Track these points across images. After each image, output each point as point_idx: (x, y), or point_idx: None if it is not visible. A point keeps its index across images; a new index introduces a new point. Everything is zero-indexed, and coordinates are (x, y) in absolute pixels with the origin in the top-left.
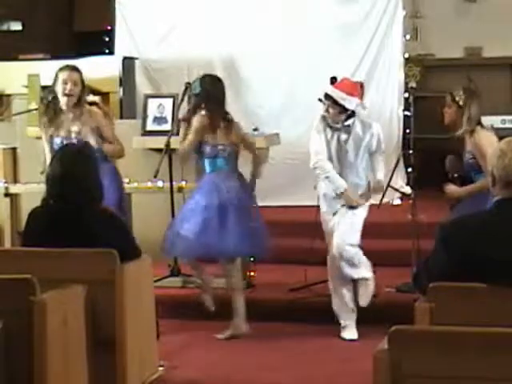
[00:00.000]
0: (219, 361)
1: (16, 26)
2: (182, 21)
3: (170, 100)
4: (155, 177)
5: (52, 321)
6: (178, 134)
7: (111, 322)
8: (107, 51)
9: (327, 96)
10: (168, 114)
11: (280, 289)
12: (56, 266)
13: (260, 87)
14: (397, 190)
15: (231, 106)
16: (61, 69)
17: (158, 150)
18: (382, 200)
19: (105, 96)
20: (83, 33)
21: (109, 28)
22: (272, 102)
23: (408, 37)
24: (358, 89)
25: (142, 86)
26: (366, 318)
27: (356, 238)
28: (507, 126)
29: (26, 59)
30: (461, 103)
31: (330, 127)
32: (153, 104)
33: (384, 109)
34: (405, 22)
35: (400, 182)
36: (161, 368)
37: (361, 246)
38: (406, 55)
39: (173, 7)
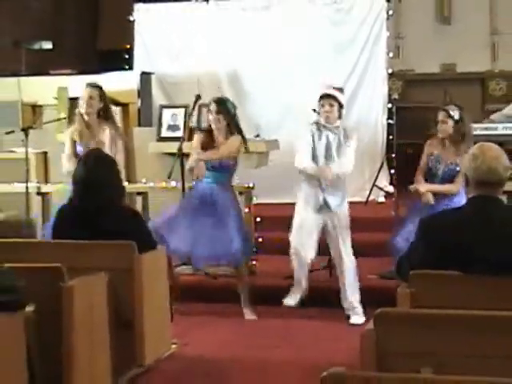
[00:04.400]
0: (225, 339)
1: (47, 45)
2: (193, 40)
3: (182, 110)
4: (169, 178)
5: (78, 304)
6: (189, 140)
7: (130, 305)
8: (127, 67)
9: (327, 95)
10: (180, 123)
11: (278, 276)
12: (82, 256)
13: (261, 98)
14: (381, 188)
15: None
16: (86, 86)
17: (172, 154)
18: (368, 198)
19: (125, 107)
20: (106, 51)
21: (128, 47)
22: (272, 112)
23: (391, 54)
24: (343, 91)
25: (158, 97)
26: None
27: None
28: (478, 132)
29: (56, 74)
30: (456, 118)
31: (320, 130)
32: (167, 113)
33: (370, 118)
34: (388, 42)
35: (384, 181)
36: (174, 345)
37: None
38: (390, 70)
39: (184, 29)
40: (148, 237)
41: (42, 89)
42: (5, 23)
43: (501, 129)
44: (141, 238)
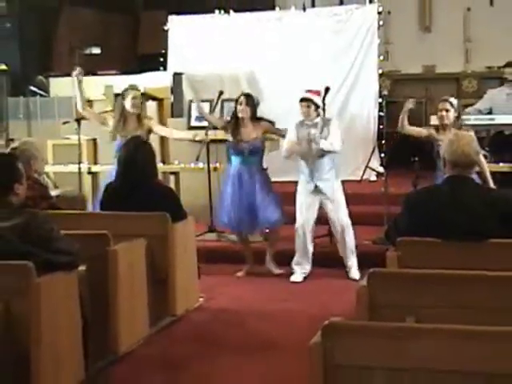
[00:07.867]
0: (243, 294)
1: (96, 50)
2: (217, 46)
3: (207, 104)
4: (197, 160)
5: (121, 264)
6: (213, 128)
7: (165, 265)
8: (162, 68)
9: (304, 99)
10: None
11: (287, 242)
12: (125, 225)
13: (273, 95)
14: (373, 169)
15: None
16: (127, 89)
17: (199, 141)
18: (362, 177)
19: (160, 101)
20: (145, 55)
21: (163, 51)
22: (282, 107)
23: (381, 58)
24: (320, 94)
25: (187, 93)
26: None
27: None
28: None
29: (103, 74)
30: (456, 107)
31: (302, 126)
32: (195, 107)
33: (364, 110)
34: (379, 47)
35: (375, 163)
36: (201, 299)
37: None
38: (380, 71)
39: (210, 36)
40: (178, 209)
41: (92, 87)
42: (63, 33)
43: (473, 120)
44: (172, 209)
